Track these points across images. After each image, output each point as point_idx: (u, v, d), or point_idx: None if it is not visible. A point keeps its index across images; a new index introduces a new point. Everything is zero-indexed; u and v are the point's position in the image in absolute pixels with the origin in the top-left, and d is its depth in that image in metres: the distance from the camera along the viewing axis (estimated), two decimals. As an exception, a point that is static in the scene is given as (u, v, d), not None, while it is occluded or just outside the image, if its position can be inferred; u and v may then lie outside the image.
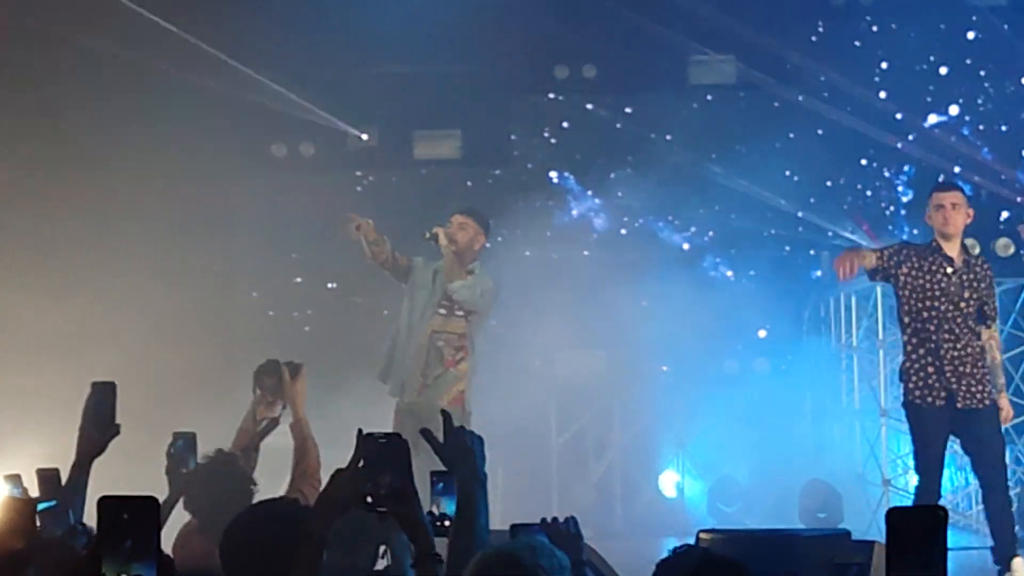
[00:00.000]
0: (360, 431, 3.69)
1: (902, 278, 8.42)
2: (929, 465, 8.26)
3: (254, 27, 12.00)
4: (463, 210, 9.61)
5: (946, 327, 8.37)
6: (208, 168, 12.13)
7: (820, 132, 12.71)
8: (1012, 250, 12.35)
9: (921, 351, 8.39)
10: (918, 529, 2.69)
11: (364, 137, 13.00)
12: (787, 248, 13.14)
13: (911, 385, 8.39)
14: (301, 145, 12.98)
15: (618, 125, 13.07)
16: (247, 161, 13.00)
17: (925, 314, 8.38)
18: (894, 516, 2.70)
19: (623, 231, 13.18)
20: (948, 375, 8.32)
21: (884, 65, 12.86)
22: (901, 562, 2.66)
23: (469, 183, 13.11)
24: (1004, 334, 10.80)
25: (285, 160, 13.03)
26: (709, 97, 13.02)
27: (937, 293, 8.37)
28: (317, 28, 12.37)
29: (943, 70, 12.83)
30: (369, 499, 3.60)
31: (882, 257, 8.48)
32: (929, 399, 8.33)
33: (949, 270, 8.40)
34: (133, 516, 2.92)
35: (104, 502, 2.93)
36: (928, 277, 8.38)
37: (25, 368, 10.94)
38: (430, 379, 9.37)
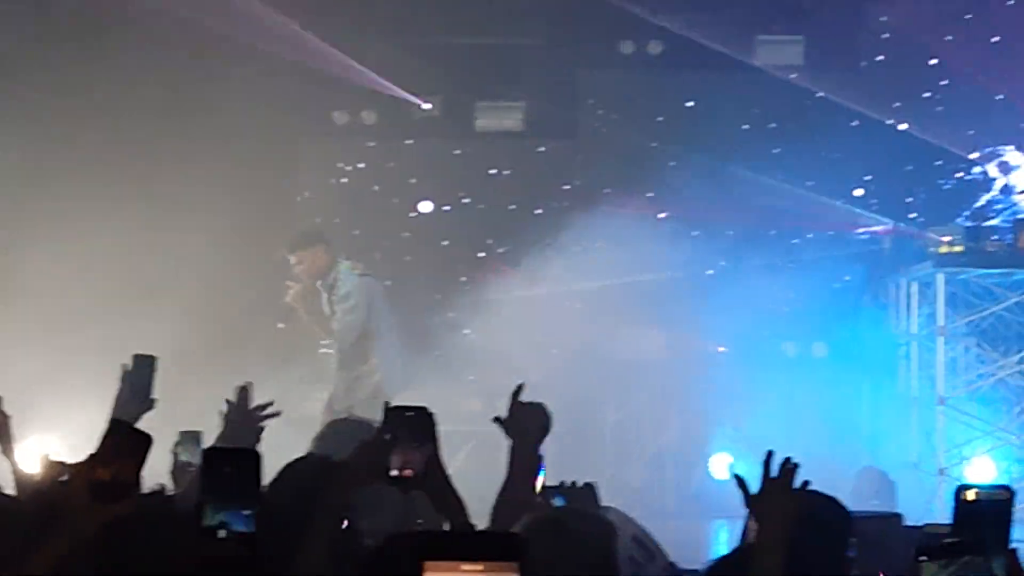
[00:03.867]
0: (387, 404, 3.66)
1: None
2: None
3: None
4: (297, 244, 10.25)
5: None
6: (270, 133, 12.13)
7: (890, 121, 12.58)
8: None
9: None
10: (985, 505, 2.64)
11: (426, 106, 12.97)
12: (848, 232, 13.03)
13: None
14: (363, 112, 12.97)
15: (689, 104, 12.96)
16: (309, 127, 13.01)
17: None
18: (962, 493, 2.65)
19: (683, 213, 13.10)
20: None
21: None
22: (966, 537, 2.61)
23: (530, 155, 13.08)
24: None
25: (346, 127, 13.02)
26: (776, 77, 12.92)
27: None
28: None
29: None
30: (395, 472, 3.56)
31: None
32: None
33: None
34: (236, 467, 2.97)
35: (209, 453, 2.99)
36: None
37: (68, 341, 10.98)
38: (351, 381, 10.23)
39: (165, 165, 11.61)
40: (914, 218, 12.80)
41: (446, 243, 13.05)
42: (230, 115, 11.82)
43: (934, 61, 12.64)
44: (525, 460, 4.24)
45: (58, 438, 8.63)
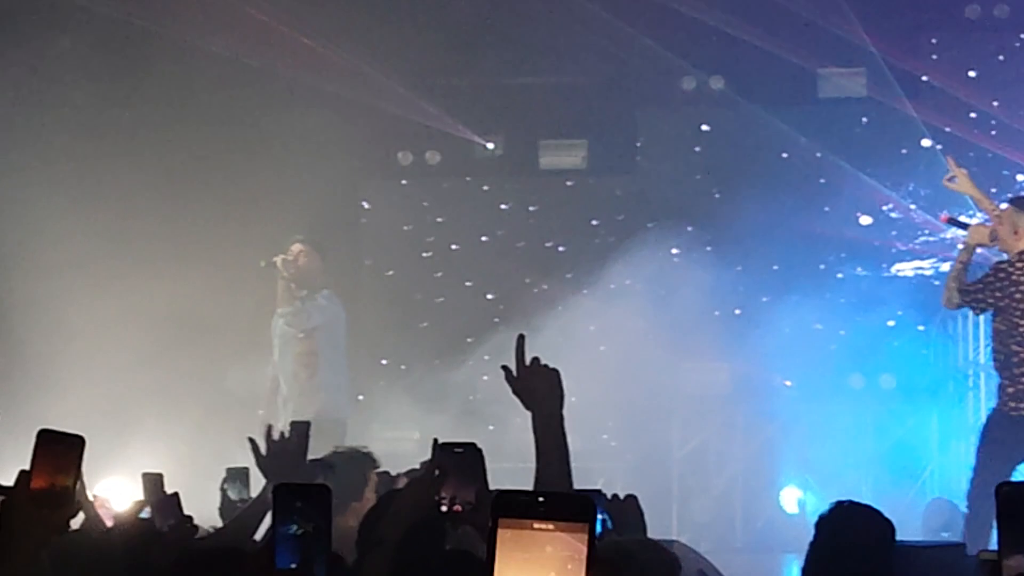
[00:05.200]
0: (436, 441, 3.69)
1: None
2: None
3: (383, 35, 12.10)
4: (303, 238, 10.68)
5: None
6: (334, 173, 12.23)
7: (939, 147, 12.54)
8: None
9: None
10: None
11: (490, 146, 13.05)
12: (912, 261, 12.97)
13: None
14: (427, 153, 13.06)
15: (751, 138, 12.95)
16: (373, 167, 13.11)
17: None
18: (1005, 490, 2.63)
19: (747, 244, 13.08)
20: None
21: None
22: (1011, 536, 2.60)
23: (594, 193, 13.13)
24: None
25: (411, 168, 13.12)
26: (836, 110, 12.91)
27: None
28: (445, 38, 12.42)
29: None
30: (445, 507, 3.59)
31: None
32: None
33: None
34: (307, 503, 3.00)
35: (279, 489, 3.01)
36: None
37: (137, 369, 11.11)
38: (295, 397, 10.59)
39: (226, 203, 11.73)
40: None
41: (498, 276, 13.13)
42: (293, 155, 11.95)
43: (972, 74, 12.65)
44: (551, 434, 3.98)
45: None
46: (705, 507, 12.18)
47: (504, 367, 4.09)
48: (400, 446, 10.39)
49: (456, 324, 12.84)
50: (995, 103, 12.60)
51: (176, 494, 4.98)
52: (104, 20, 11.66)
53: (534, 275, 13.05)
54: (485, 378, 11.77)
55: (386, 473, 6.60)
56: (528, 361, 4.10)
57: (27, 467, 2.90)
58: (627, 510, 4.31)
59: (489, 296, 13.06)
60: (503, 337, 12.20)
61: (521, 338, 4.15)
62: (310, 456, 5.35)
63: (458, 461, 3.62)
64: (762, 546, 11.50)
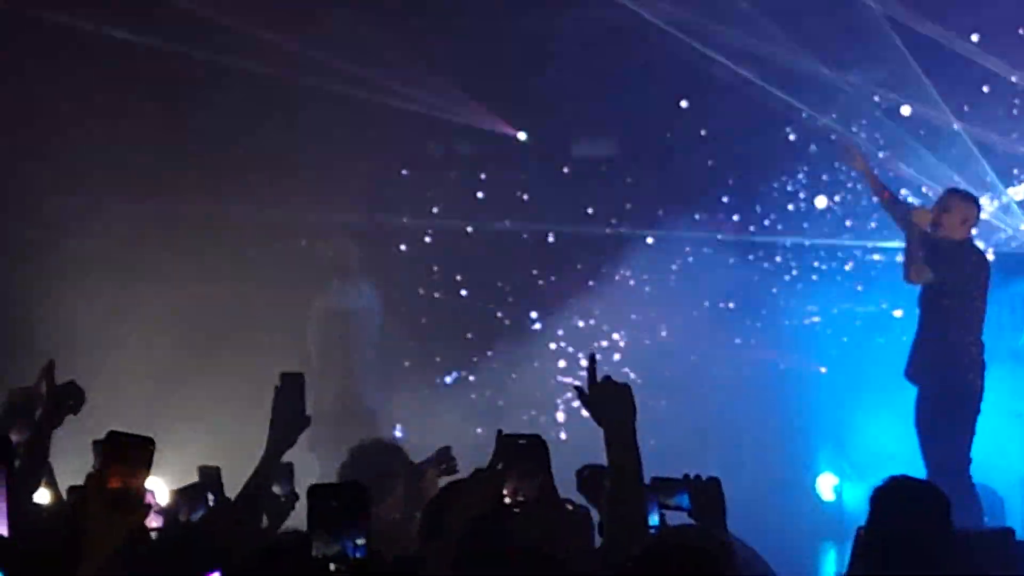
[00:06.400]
0: (500, 432, 3.69)
1: None
2: None
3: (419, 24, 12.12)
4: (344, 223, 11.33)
5: None
6: (367, 166, 12.24)
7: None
8: None
9: None
10: None
11: (521, 136, 13.02)
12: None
13: None
14: (458, 144, 13.05)
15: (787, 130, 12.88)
16: (403, 159, 13.10)
17: None
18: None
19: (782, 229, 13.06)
20: None
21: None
22: None
23: (626, 181, 13.11)
24: None
25: (442, 159, 13.10)
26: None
27: None
28: (479, 24, 12.41)
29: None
30: (508, 499, 3.60)
31: None
32: None
33: None
34: (342, 502, 2.98)
35: (314, 490, 3.07)
36: None
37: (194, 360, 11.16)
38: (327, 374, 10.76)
39: (259, 192, 11.75)
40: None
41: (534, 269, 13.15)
42: (331, 144, 11.94)
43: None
44: (624, 449, 3.99)
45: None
46: (742, 494, 12.15)
47: (576, 387, 4.14)
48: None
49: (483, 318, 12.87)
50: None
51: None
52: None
53: (569, 263, 13.06)
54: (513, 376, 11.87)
55: (413, 464, 6.58)
56: (599, 378, 4.14)
57: (95, 469, 2.90)
58: (708, 493, 4.30)
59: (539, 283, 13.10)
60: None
61: (592, 357, 4.21)
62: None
63: (522, 452, 3.61)
64: (798, 533, 11.48)
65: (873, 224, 12.60)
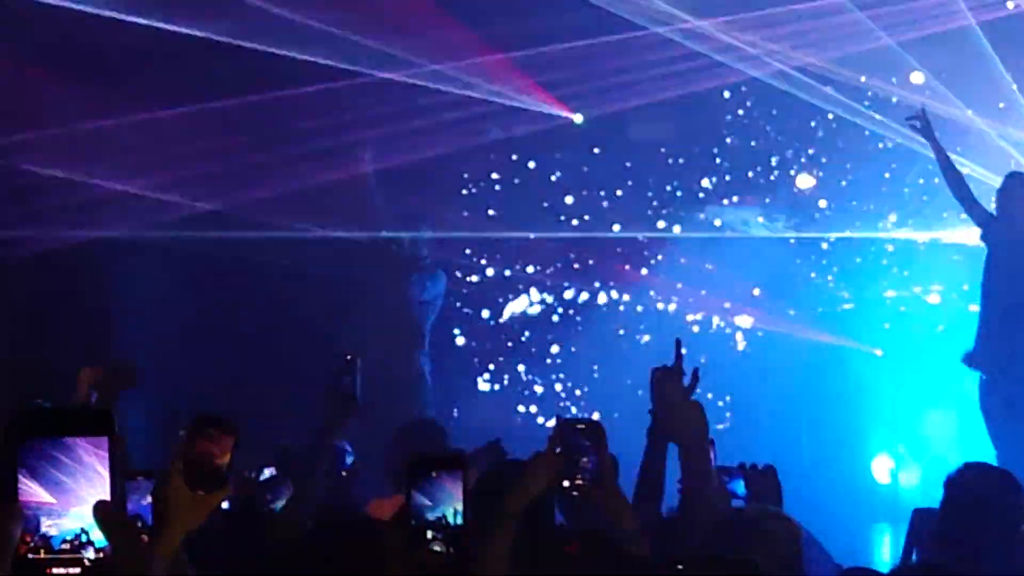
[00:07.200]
0: (558, 417, 3.75)
1: None
2: None
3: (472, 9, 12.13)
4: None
5: None
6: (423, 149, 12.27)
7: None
8: None
9: None
10: None
11: (577, 118, 13.00)
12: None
13: None
14: (515, 127, 13.03)
15: (830, 116, 12.84)
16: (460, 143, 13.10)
17: None
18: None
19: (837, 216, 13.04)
20: None
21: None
22: None
23: (680, 162, 13.12)
24: None
25: (496, 143, 13.09)
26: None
27: None
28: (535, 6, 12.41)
29: None
30: (567, 483, 3.65)
31: None
32: None
33: None
34: (441, 473, 3.08)
35: (413, 458, 3.10)
36: None
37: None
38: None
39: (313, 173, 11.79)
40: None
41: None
42: (380, 130, 11.96)
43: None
44: (698, 465, 4.09)
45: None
46: (796, 476, 12.15)
47: (650, 411, 4.30)
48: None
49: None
50: None
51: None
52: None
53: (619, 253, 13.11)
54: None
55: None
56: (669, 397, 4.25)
57: (181, 448, 2.95)
58: (765, 479, 4.35)
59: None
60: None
61: (678, 343, 4.34)
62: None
63: (580, 436, 3.68)
64: (854, 516, 11.48)
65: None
